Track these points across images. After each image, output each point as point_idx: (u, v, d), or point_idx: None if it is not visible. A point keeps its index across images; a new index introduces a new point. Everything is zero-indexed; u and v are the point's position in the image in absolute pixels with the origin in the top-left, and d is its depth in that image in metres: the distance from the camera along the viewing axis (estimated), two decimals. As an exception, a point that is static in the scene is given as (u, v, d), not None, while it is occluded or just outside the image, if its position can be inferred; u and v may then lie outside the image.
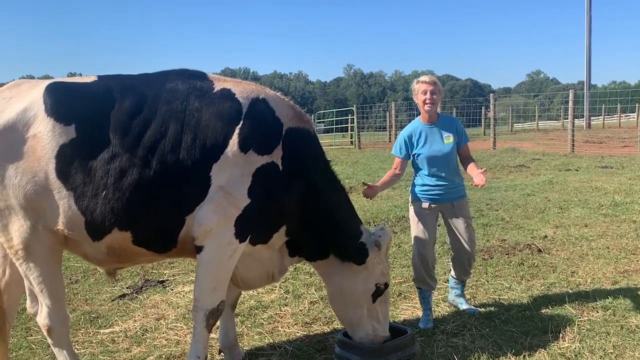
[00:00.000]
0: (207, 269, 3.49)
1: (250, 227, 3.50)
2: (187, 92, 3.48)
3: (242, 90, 3.58)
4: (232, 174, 3.37)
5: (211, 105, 3.45)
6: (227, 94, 3.53)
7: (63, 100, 3.34)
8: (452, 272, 5.02)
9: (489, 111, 25.74)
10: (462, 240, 4.74)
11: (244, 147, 3.39)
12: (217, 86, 3.57)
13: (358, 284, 3.88)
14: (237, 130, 3.40)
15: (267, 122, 3.55)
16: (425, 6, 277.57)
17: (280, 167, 3.52)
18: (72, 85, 3.48)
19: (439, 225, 4.91)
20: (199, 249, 3.45)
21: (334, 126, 33.46)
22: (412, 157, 4.76)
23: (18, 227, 3.32)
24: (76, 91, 3.44)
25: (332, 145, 28.45)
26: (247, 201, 3.40)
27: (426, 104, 4.60)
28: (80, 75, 4.32)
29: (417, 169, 4.79)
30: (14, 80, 3.88)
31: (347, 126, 31.36)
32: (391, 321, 4.31)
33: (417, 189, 4.77)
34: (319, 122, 34.63)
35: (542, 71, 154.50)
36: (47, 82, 3.50)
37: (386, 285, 3.95)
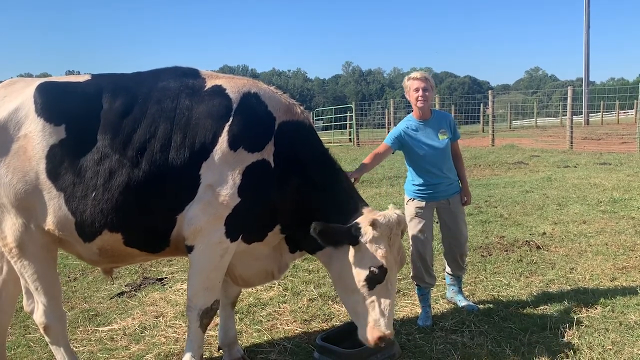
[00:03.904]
0: (199, 269, 3.46)
1: (242, 226, 3.46)
2: (179, 91, 3.45)
3: (233, 86, 3.54)
4: (222, 173, 3.33)
5: (201, 102, 3.42)
6: (217, 91, 3.49)
7: (53, 100, 3.34)
8: (447, 269, 5.02)
9: (487, 108, 25.73)
10: (456, 236, 4.76)
11: (233, 144, 3.35)
12: (209, 83, 3.54)
13: (352, 267, 3.57)
14: (226, 128, 3.36)
15: (258, 117, 3.50)
16: (424, 3, 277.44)
17: (272, 164, 3.46)
18: (63, 85, 3.47)
19: (437, 222, 4.91)
20: (189, 249, 3.42)
21: (333, 123, 33.42)
22: (407, 154, 4.73)
23: (10, 225, 3.33)
24: (67, 91, 3.42)
25: (330, 143, 28.33)
26: (237, 200, 3.35)
27: (419, 101, 4.56)
28: (79, 72, 4.32)
29: (411, 166, 4.76)
30: (12, 78, 3.88)
31: (346, 123, 31.33)
32: None
33: (412, 187, 4.76)
34: (317, 120, 34.58)
35: (540, 68, 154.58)
36: (40, 81, 3.49)
37: (382, 269, 3.49)
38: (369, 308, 3.52)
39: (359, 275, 3.52)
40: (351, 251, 3.55)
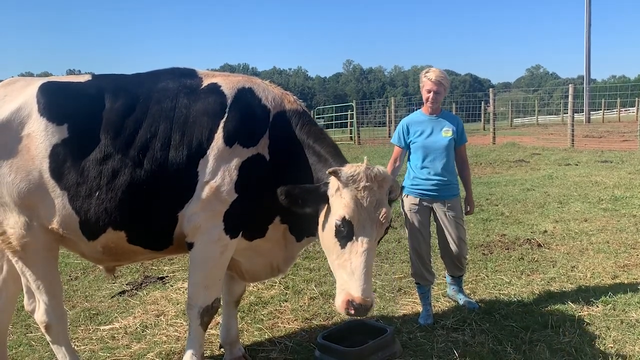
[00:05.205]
0: (198, 267, 3.47)
1: (241, 222, 3.46)
2: (177, 91, 3.50)
3: (228, 83, 3.58)
4: (219, 169, 3.35)
5: (198, 101, 3.47)
6: (213, 89, 3.54)
7: (56, 100, 3.37)
8: (446, 269, 5.02)
9: (488, 106, 25.70)
10: (450, 240, 4.74)
11: (228, 141, 3.38)
12: (206, 82, 3.59)
13: (323, 225, 3.33)
14: (221, 124, 3.40)
15: (252, 112, 3.52)
16: (425, 1, 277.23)
17: (268, 157, 3.47)
18: (65, 85, 3.50)
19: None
20: (189, 246, 3.44)
21: (334, 122, 33.43)
22: (407, 147, 4.76)
23: (13, 224, 3.34)
24: (69, 91, 3.45)
25: (331, 141, 28.34)
26: (234, 196, 3.36)
27: (428, 101, 4.69)
28: (80, 72, 4.33)
29: (410, 160, 4.78)
30: (12, 77, 3.88)
31: (347, 122, 31.33)
32: (374, 320, 4.20)
33: (408, 182, 4.76)
34: (318, 118, 34.54)
35: (541, 66, 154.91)
36: (41, 80, 3.52)
37: (345, 221, 3.12)
38: (340, 269, 3.17)
39: (330, 232, 3.22)
40: (322, 211, 3.31)
